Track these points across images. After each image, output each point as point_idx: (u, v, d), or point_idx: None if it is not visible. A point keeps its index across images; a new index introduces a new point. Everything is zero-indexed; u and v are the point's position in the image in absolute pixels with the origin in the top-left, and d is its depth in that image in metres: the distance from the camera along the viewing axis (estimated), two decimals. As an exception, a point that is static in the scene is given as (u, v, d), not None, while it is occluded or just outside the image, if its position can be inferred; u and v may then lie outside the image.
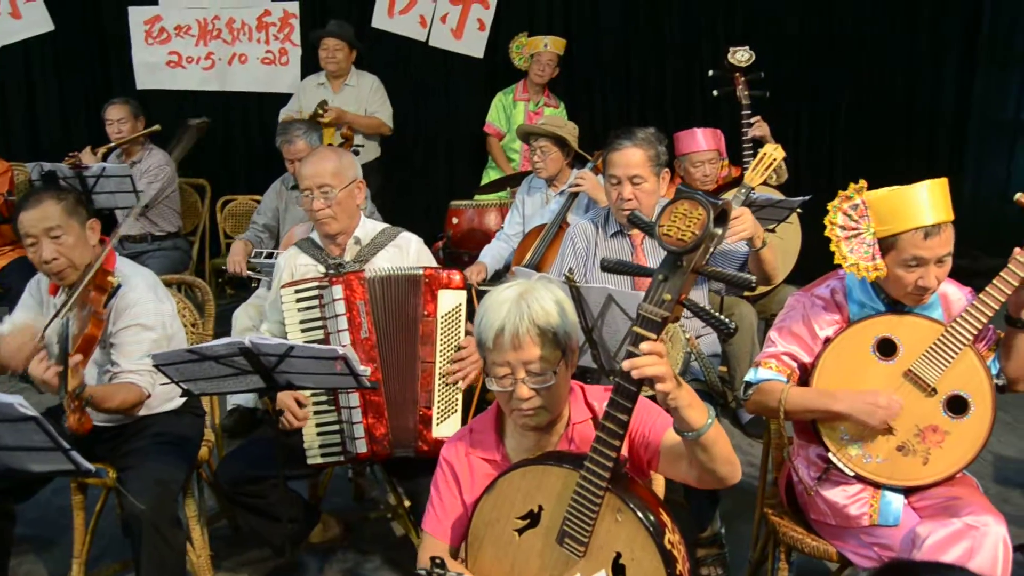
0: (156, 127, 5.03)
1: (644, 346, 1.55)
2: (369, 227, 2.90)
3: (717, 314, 1.53)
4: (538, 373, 1.75)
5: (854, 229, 2.25)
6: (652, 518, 1.65)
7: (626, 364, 1.57)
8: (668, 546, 1.64)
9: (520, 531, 1.77)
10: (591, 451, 1.65)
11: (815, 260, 2.75)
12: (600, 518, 1.67)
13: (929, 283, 2.17)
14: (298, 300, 2.66)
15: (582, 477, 1.66)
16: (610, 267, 1.67)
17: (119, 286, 2.57)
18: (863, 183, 2.32)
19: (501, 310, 1.74)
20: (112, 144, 4.96)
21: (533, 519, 1.76)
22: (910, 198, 2.18)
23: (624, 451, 1.82)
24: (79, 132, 6.41)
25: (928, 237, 2.15)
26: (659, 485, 2.04)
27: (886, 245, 2.21)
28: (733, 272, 1.61)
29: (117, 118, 4.96)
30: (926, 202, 2.16)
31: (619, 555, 1.67)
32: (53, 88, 6.65)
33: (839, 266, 2.37)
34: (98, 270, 2.55)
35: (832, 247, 2.33)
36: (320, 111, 4.93)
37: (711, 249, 1.55)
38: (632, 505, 1.65)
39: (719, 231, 1.52)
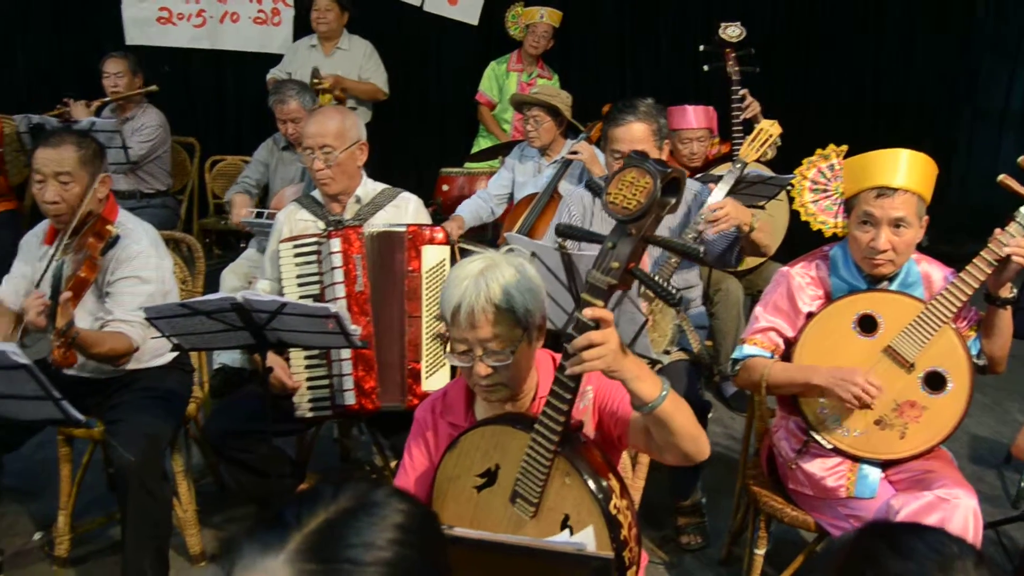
0: (154, 87, 4.96)
1: (588, 312, 1.53)
2: (370, 187, 2.92)
3: (663, 284, 1.53)
4: (496, 351, 1.72)
5: (824, 187, 2.30)
6: (600, 483, 1.65)
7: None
8: (614, 511, 1.64)
9: (479, 488, 1.78)
10: (541, 414, 1.65)
11: (802, 236, 2.77)
12: (550, 480, 1.68)
13: (879, 244, 2.20)
14: (296, 255, 2.69)
15: (532, 439, 1.66)
16: (562, 231, 1.68)
17: (117, 237, 2.61)
18: (844, 147, 2.36)
19: (460, 286, 1.71)
20: (107, 99, 4.88)
21: (491, 478, 1.77)
22: (878, 161, 2.23)
23: (591, 426, 1.83)
24: (67, 87, 6.30)
25: (880, 197, 2.20)
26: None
27: (850, 206, 2.29)
28: (680, 242, 1.61)
29: (115, 72, 4.85)
30: (892, 166, 2.21)
31: (567, 517, 1.68)
32: (43, 42, 6.54)
33: (826, 243, 2.41)
34: (98, 218, 2.61)
35: (794, 193, 2.38)
36: (316, 80, 4.88)
37: (663, 217, 1.55)
38: (580, 469, 1.65)
39: (671, 200, 1.51)
